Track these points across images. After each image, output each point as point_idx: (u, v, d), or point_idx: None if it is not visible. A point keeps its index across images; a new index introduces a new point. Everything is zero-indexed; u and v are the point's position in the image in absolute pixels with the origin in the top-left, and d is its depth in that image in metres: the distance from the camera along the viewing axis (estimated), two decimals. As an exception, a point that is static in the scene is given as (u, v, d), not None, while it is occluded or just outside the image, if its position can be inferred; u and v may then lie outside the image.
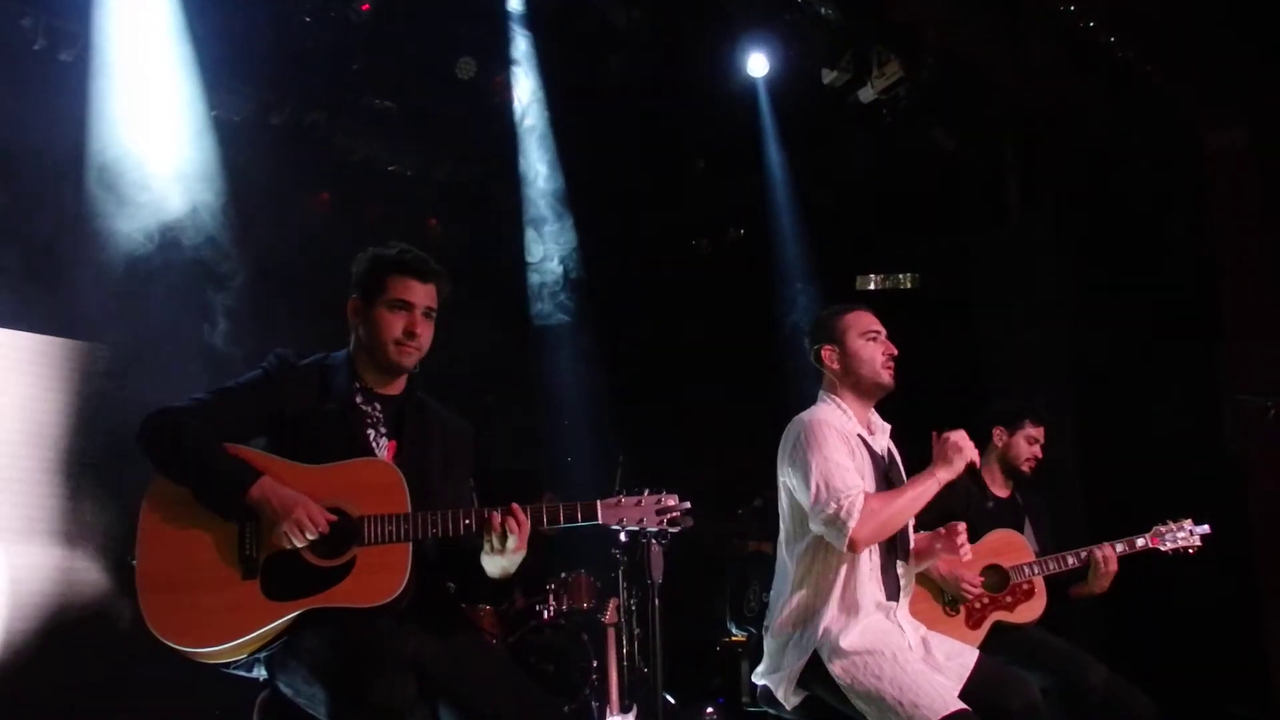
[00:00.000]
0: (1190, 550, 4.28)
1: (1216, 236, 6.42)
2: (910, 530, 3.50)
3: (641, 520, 2.93)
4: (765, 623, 3.42)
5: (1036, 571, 4.27)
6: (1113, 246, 6.87)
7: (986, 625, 4.15)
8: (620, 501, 2.93)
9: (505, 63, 6.74)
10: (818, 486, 3.14)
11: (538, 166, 7.42)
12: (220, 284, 6.24)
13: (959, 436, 3.26)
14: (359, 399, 3.00)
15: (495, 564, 2.87)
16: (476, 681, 2.81)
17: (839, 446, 3.26)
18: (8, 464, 5.74)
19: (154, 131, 5.98)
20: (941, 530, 3.43)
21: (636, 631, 6.32)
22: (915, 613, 3.49)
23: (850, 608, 3.21)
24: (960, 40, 5.99)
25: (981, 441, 4.59)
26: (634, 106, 7.00)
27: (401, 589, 2.74)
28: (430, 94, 6.77)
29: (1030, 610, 4.25)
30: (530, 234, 7.77)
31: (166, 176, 6.09)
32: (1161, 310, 6.68)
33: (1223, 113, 6.28)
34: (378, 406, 3.03)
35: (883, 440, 3.47)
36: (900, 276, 7.81)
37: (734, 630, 6.80)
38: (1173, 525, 4.28)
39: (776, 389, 6.68)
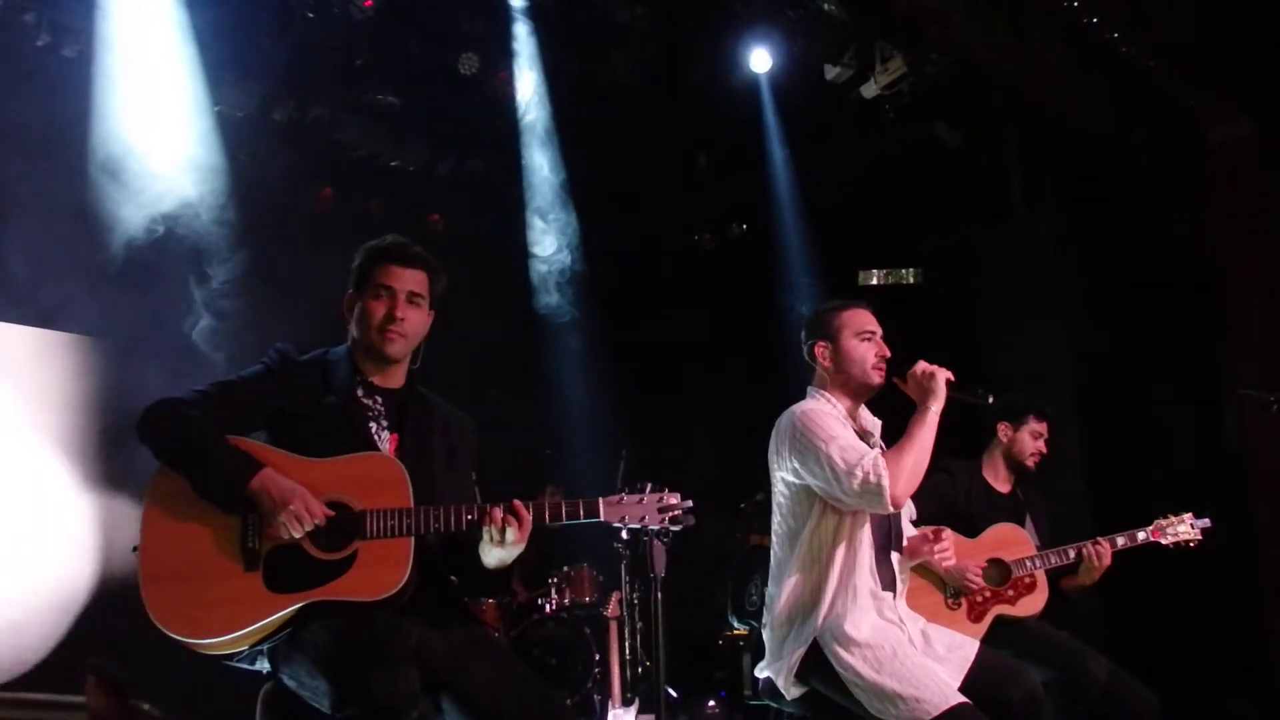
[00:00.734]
0: (1191, 544, 4.29)
1: (1219, 231, 6.42)
2: (904, 522, 3.51)
3: (643, 518, 2.93)
4: (764, 618, 3.42)
5: (1038, 565, 4.27)
6: (1116, 242, 6.87)
7: (988, 619, 4.15)
8: (622, 499, 2.93)
9: (508, 58, 6.74)
10: (835, 463, 3.13)
11: (540, 162, 7.43)
12: (223, 279, 6.25)
13: (920, 366, 3.27)
14: (360, 392, 3.00)
15: (493, 555, 2.87)
16: (479, 674, 2.81)
17: (838, 424, 3.27)
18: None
19: (157, 127, 5.99)
20: (929, 532, 3.44)
21: (638, 625, 6.34)
22: (917, 605, 3.49)
23: (848, 597, 3.21)
24: (963, 36, 5.98)
25: (986, 437, 4.63)
26: (636, 102, 7.00)
27: (403, 583, 2.74)
28: (433, 90, 6.78)
29: (1032, 604, 4.25)
30: (533, 230, 7.78)
31: (169, 172, 6.10)
32: (1164, 305, 6.69)
33: (1225, 108, 6.28)
34: (379, 400, 3.03)
35: (874, 438, 3.46)
36: (903, 272, 7.82)
37: (736, 624, 6.81)
38: (1173, 519, 4.29)
39: (778, 384, 6.66)
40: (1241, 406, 6.14)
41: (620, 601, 6.33)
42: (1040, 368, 6.86)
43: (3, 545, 5.83)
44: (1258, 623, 5.98)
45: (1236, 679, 6.03)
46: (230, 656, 2.80)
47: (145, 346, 5.97)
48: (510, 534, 2.81)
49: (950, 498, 4.37)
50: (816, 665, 3.18)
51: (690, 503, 2.98)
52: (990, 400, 3.32)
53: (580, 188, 7.63)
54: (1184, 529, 4.27)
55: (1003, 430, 4.58)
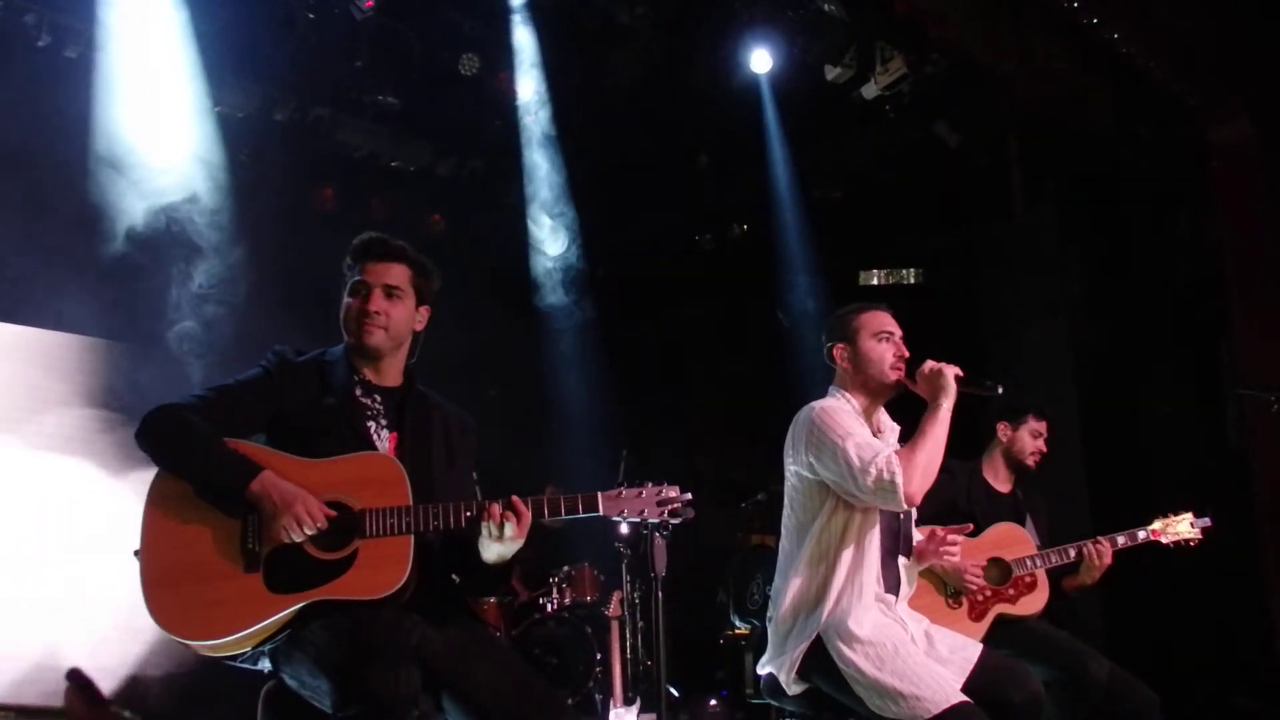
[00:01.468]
0: (1191, 543, 4.29)
1: (1220, 230, 6.42)
2: (912, 527, 3.52)
3: (642, 511, 2.93)
4: (769, 613, 3.43)
5: (1039, 564, 4.28)
6: (1117, 240, 6.88)
7: (989, 618, 4.16)
8: (621, 493, 2.93)
9: (509, 59, 6.75)
10: (851, 459, 3.15)
11: (541, 162, 7.43)
12: (224, 280, 6.26)
13: (928, 365, 3.32)
14: (358, 392, 3.02)
15: (492, 550, 2.88)
16: (481, 673, 2.81)
17: (855, 421, 3.31)
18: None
19: (158, 128, 5.99)
20: (938, 530, 3.45)
21: (640, 624, 6.35)
22: (918, 605, 3.50)
23: (854, 595, 3.23)
24: (963, 36, 5.98)
25: (986, 436, 4.63)
26: (637, 102, 7.00)
27: (404, 581, 2.75)
28: (434, 90, 6.78)
29: (1033, 603, 4.26)
30: (534, 230, 7.79)
31: (170, 173, 6.12)
32: (1165, 305, 6.69)
33: (1226, 108, 6.28)
34: (378, 399, 3.04)
35: (891, 440, 3.47)
36: (904, 272, 7.82)
37: (737, 623, 6.82)
38: (1173, 518, 4.30)
39: (779, 384, 6.69)
40: (1242, 406, 6.14)
41: (622, 601, 6.34)
42: (1041, 367, 6.86)
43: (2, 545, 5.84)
44: (1260, 621, 5.97)
45: (1239, 677, 6.04)
46: (233, 657, 2.80)
47: (145, 347, 5.98)
48: (509, 529, 2.81)
49: (951, 498, 4.37)
50: (819, 661, 3.18)
51: (689, 495, 2.98)
52: (1000, 390, 3.36)
53: (581, 188, 7.64)
54: (1184, 528, 4.28)
55: (1002, 430, 4.58)
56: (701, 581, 7.29)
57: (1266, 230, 6.18)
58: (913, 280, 7.83)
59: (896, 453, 3.19)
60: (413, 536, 2.79)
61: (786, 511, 3.45)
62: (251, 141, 6.70)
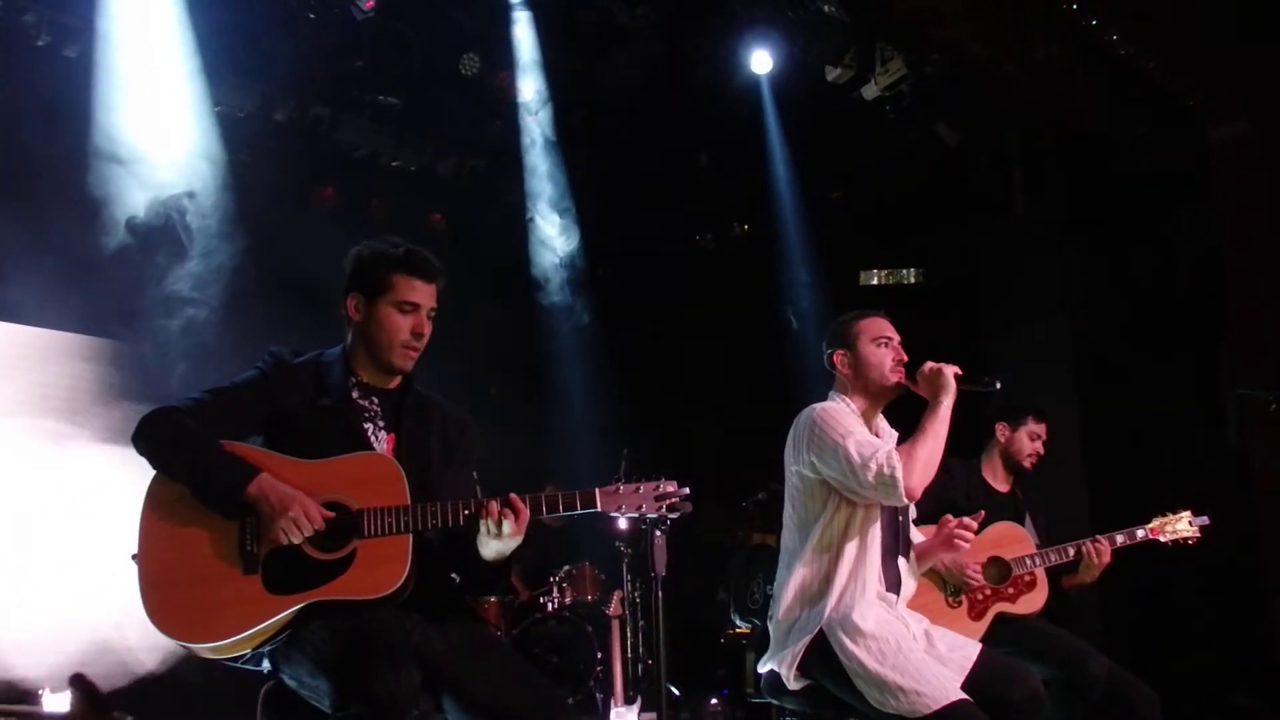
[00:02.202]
0: (1190, 541, 4.30)
1: (1220, 229, 6.42)
2: (910, 527, 3.54)
3: (641, 507, 2.93)
4: (770, 611, 3.45)
5: (1038, 563, 4.28)
6: (1117, 240, 6.89)
7: (989, 617, 4.16)
8: (619, 489, 2.93)
9: (509, 58, 6.75)
10: (852, 457, 3.20)
11: (541, 162, 7.44)
12: (225, 279, 6.27)
13: (928, 365, 3.37)
14: (355, 393, 3.01)
15: (490, 548, 2.88)
16: (481, 673, 2.81)
17: (855, 421, 3.36)
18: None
19: (158, 127, 6.00)
20: (950, 519, 3.47)
21: (640, 623, 6.35)
22: (918, 604, 3.51)
23: (857, 590, 3.26)
24: (963, 36, 5.99)
25: (984, 436, 4.64)
26: (638, 102, 7.01)
27: (402, 581, 2.74)
28: (434, 90, 6.79)
29: (1032, 602, 4.26)
30: (534, 230, 7.80)
31: (170, 172, 6.12)
32: (1165, 304, 6.70)
33: (1225, 107, 6.28)
34: (375, 401, 3.03)
35: (890, 444, 3.50)
36: (904, 272, 7.83)
37: (738, 622, 6.82)
38: (1172, 516, 4.31)
39: (780, 383, 6.70)
40: (1241, 405, 6.15)
41: (622, 600, 6.35)
42: (1040, 366, 6.87)
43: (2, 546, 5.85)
44: (1259, 618, 5.98)
45: (1238, 675, 6.04)
46: (234, 659, 2.80)
47: (144, 347, 5.98)
48: (507, 527, 2.81)
49: (950, 496, 4.38)
50: (821, 655, 3.20)
51: (687, 490, 2.98)
52: (998, 386, 3.39)
53: (581, 187, 7.64)
54: (1183, 526, 4.29)
55: (1000, 430, 4.60)
56: (702, 580, 7.30)
57: (1265, 229, 6.18)
58: (913, 280, 7.84)
59: (897, 448, 3.24)
60: (411, 536, 2.79)
61: (788, 510, 3.48)
62: (252, 141, 6.70)
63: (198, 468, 2.77)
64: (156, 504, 2.79)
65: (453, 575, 3.10)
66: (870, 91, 6.50)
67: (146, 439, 2.81)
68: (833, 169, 7.86)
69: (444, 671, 2.78)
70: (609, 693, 6.10)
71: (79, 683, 4.87)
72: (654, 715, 5.81)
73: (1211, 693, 5.92)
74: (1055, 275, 7.07)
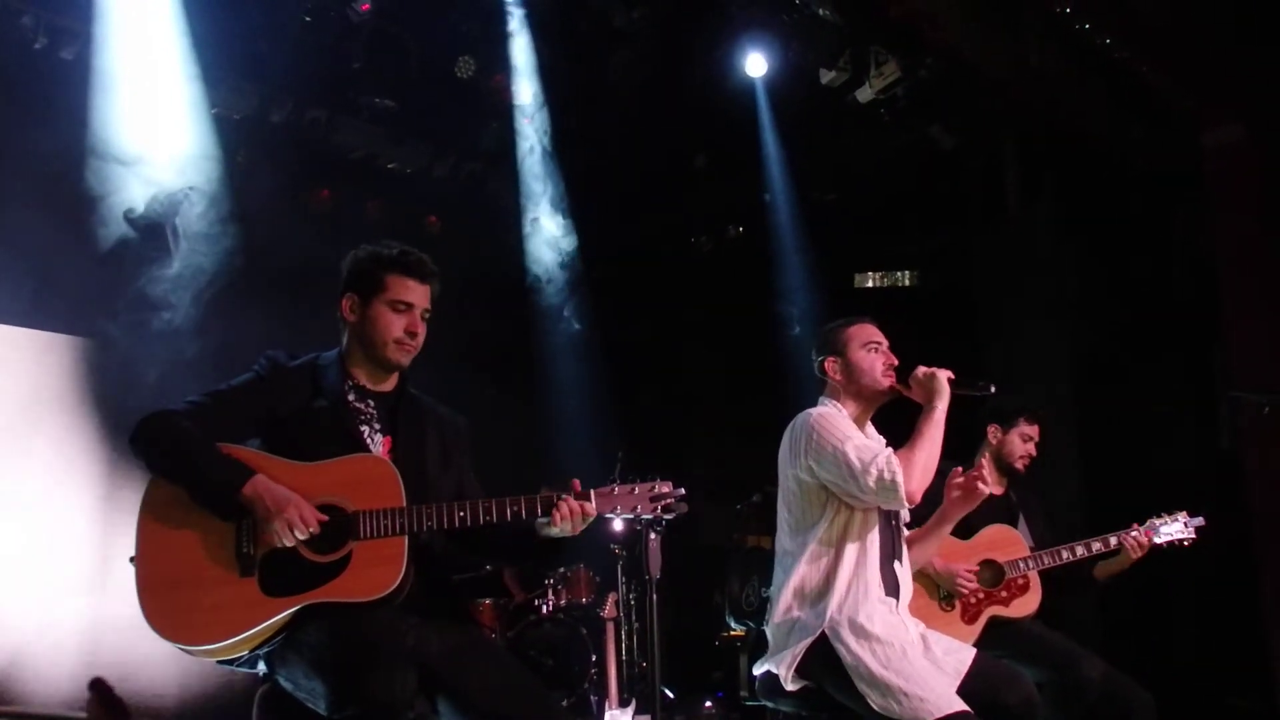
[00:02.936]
0: (1185, 543, 4.30)
1: (1215, 233, 6.44)
2: (904, 531, 3.54)
3: (636, 508, 2.94)
4: (766, 615, 3.45)
5: (1031, 566, 4.28)
6: (1112, 243, 6.90)
7: (982, 620, 4.16)
8: (614, 490, 2.95)
9: (505, 61, 6.75)
10: (851, 462, 3.22)
11: (537, 165, 7.44)
12: (221, 281, 6.26)
13: (920, 369, 3.41)
14: (351, 396, 3.02)
15: (553, 531, 2.95)
16: (476, 675, 2.82)
17: (852, 426, 3.39)
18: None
19: (154, 130, 5.99)
20: (959, 470, 3.51)
21: (635, 626, 6.35)
22: (912, 609, 3.51)
23: (860, 590, 3.27)
24: (958, 40, 6.00)
25: (976, 438, 4.65)
26: (633, 105, 7.01)
27: (398, 583, 2.76)
28: (430, 92, 6.79)
29: (1026, 605, 4.26)
30: (530, 232, 7.80)
31: (167, 174, 6.11)
32: (1160, 307, 6.71)
33: (1219, 111, 6.30)
34: (371, 403, 3.05)
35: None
36: (899, 274, 7.84)
37: (733, 625, 6.82)
38: (1167, 518, 4.31)
39: (775, 386, 6.71)
40: (1234, 409, 6.16)
41: (617, 602, 6.34)
42: (1036, 369, 6.88)
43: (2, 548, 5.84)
44: (1255, 620, 5.99)
45: (1233, 677, 6.05)
46: (230, 661, 2.81)
47: (141, 349, 5.97)
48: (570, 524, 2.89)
49: (942, 499, 4.38)
50: (823, 657, 3.20)
51: (682, 490, 2.99)
52: (992, 389, 3.44)
53: (577, 190, 7.65)
54: (1177, 528, 4.29)
55: (992, 432, 4.60)
56: (697, 583, 7.29)
57: (1260, 232, 6.20)
58: (908, 282, 7.85)
59: (896, 453, 3.25)
60: (407, 537, 2.80)
61: (783, 514, 3.49)
62: (248, 143, 6.70)
63: (193, 470, 2.78)
64: (153, 507, 2.80)
65: (451, 578, 3.11)
66: (865, 94, 6.51)
67: (143, 441, 2.82)
68: (828, 172, 7.86)
69: (440, 674, 2.79)
70: (603, 695, 6.10)
71: (97, 686, 4.86)
72: (648, 718, 5.80)
73: (1207, 694, 5.93)
74: (1050, 278, 7.08)
